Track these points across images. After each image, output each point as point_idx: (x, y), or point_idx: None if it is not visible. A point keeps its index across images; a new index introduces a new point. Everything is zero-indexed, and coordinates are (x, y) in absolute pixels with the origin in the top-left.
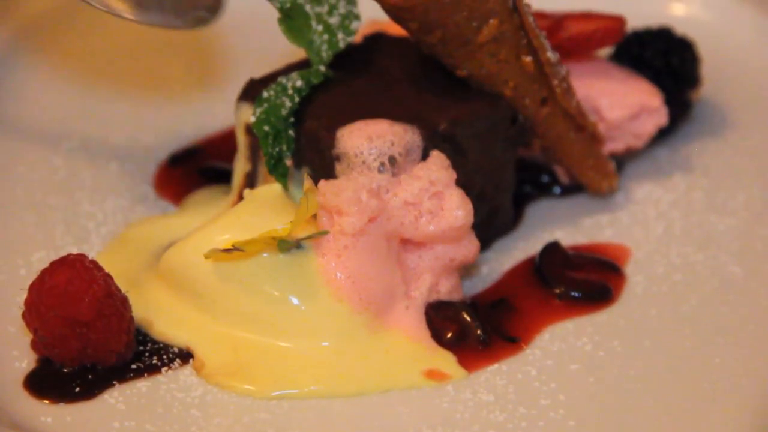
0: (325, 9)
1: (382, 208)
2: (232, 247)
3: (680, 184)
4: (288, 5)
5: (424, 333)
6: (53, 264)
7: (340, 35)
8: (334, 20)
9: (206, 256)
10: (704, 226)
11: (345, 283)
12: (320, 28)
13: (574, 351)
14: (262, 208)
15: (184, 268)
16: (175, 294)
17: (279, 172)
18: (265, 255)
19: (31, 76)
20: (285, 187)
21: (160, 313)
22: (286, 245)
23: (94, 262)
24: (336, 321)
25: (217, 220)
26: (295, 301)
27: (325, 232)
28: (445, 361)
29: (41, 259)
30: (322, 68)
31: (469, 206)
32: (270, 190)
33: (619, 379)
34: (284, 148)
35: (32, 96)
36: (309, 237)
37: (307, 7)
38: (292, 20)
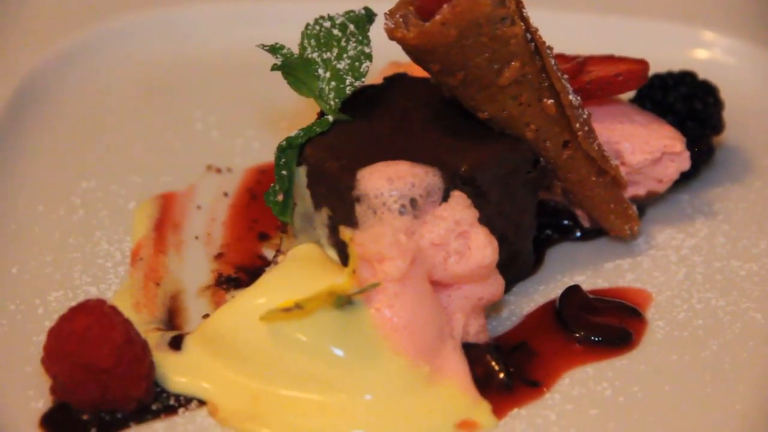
0: (334, 53)
1: (419, 249)
2: (293, 306)
3: (702, 229)
4: (293, 57)
5: (469, 377)
6: (72, 310)
7: (348, 80)
8: (342, 65)
9: (263, 318)
10: (726, 272)
11: (402, 334)
12: (328, 75)
13: (594, 396)
14: (304, 267)
15: (233, 332)
16: (214, 358)
17: (287, 214)
18: (319, 313)
19: (50, 116)
20: (291, 222)
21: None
22: (341, 301)
23: (113, 308)
24: (395, 376)
25: (261, 281)
26: (359, 360)
27: (377, 284)
28: (481, 410)
29: (59, 299)
30: (330, 118)
31: (495, 243)
32: (307, 248)
33: (639, 425)
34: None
35: (50, 136)
36: (363, 290)
37: (314, 54)
38: (298, 73)
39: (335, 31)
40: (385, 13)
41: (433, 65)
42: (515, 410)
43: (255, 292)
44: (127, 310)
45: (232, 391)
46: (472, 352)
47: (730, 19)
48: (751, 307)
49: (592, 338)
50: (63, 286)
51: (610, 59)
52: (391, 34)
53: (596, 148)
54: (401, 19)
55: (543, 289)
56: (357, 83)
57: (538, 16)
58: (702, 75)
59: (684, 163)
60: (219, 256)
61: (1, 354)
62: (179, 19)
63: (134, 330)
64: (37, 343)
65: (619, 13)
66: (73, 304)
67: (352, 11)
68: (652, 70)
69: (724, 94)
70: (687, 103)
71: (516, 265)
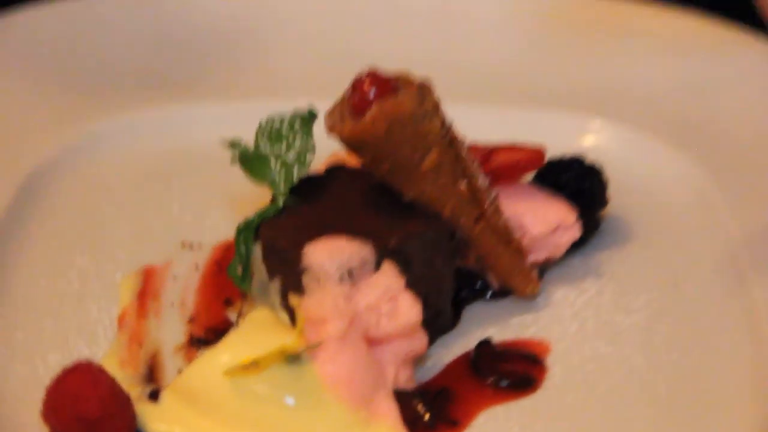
0: (283, 147)
1: (355, 312)
2: (251, 363)
3: (591, 287)
4: (249, 151)
5: (399, 419)
6: (65, 370)
7: (295, 169)
8: (290, 157)
9: (227, 374)
10: (612, 324)
11: (342, 384)
12: (278, 166)
13: None
14: (260, 328)
15: (202, 385)
16: (187, 407)
17: (246, 284)
18: (273, 368)
19: (49, 205)
20: (250, 290)
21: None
22: (291, 357)
23: (99, 367)
24: (337, 420)
25: (225, 341)
26: (307, 407)
27: (321, 342)
28: None
29: (56, 360)
30: (281, 202)
31: (419, 305)
32: (263, 312)
33: None
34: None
35: (51, 222)
36: (309, 348)
37: (267, 148)
38: (253, 164)
39: (284, 129)
40: (325, 113)
41: (366, 155)
42: None
43: (219, 351)
44: (114, 368)
45: None
46: (401, 397)
47: (614, 108)
48: (633, 354)
49: (501, 383)
50: (60, 349)
51: (513, 147)
52: (330, 130)
53: (502, 222)
54: (338, 117)
55: (461, 342)
56: (303, 172)
57: (452, 110)
58: (590, 158)
59: (576, 233)
60: (191, 320)
61: (7, 408)
62: (154, 122)
63: (118, 386)
64: (38, 399)
65: (520, 107)
66: (68, 363)
67: (298, 111)
68: (549, 154)
69: (609, 173)
70: (577, 183)
71: (437, 322)
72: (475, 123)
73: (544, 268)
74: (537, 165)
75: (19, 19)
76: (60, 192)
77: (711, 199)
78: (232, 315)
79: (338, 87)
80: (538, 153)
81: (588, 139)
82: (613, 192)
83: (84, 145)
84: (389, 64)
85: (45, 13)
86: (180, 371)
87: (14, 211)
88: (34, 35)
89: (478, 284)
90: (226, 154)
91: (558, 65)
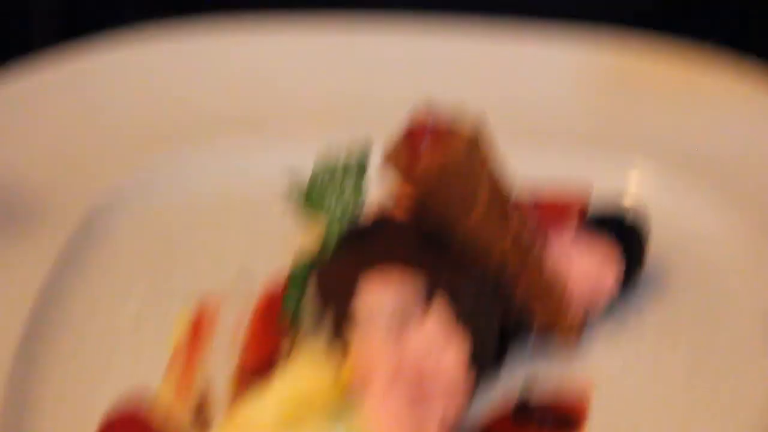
0: (335, 195)
1: (403, 359)
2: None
3: (629, 343)
4: (305, 195)
5: None
6: (113, 415)
7: (347, 216)
8: (343, 202)
9: (272, 426)
10: (651, 369)
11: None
12: (332, 210)
13: None
14: (307, 373)
15: (250, 427)
16: None
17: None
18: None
19: (110, 243)
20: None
21: None
22: (338, 408)
23: (147, 414)
24: None
25: (272, 387)
26: None
27: (365, 391)
28: None
29: (112, 387)
30: (333, 245)
31: (464, 361)
32: (310, 354)
33: None
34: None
35: (111, 257)
36: (353, 399)
37: (321, 196)
38: (309, 207)
39: (337, 177)
40: (382, 158)
41: (425, 189)
42: None
43: (267, 397)
44: (168, 397)
45: None
46: None
47: (663, 159)
48: (673, 402)
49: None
50: (116, 377)
51: (554, 202)
52: (387, 172)
53: (545, 276)
54: (394, 163)
55: (503, 387)
56: (353, 220)
57: (503, 148)
58: (634, 203)
59: (614, 291)
60: (243, 353)
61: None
62: (209, 162)
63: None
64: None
65: (570, 149)
66: (117, 406)
67: (352, 156)
68: (594, 195)
69: (653, 220)
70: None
71: (480, 367)
72: (527, 161)
73: (585, 319)
74: (582, 215)
75: (85, 65)
76: (121, 228)
77: (755, 256)
78: (282, 351)
79: (396, 120)
80: (580, 205)
81: (633, 182)
82: (655, 240)
83: (145, 183)
84: (446, 99)
85: (104, 59)
86: (229, 404)
87: (76, 245)
88: (97, 81)
89: (521, 330)
90: (283, 193)
91: (611, 114)
